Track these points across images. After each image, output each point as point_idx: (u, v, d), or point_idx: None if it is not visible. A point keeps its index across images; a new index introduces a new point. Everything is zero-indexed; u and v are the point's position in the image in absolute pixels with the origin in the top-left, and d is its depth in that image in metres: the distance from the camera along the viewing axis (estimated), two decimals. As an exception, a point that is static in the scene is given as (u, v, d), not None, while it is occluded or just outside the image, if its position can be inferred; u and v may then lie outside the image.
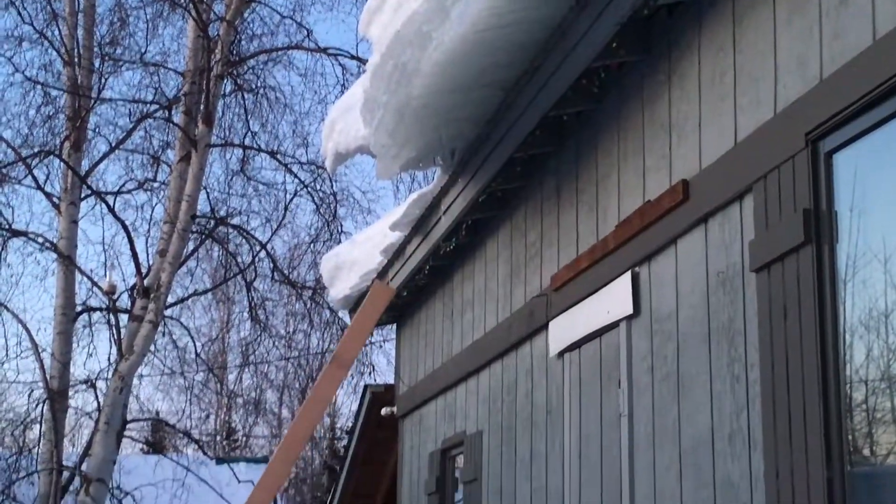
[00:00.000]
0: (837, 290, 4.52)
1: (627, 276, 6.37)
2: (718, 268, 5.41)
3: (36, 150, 17.51)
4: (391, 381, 13.53)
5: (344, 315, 16.64)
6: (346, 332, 3.28)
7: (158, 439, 33.43)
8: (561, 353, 7.38)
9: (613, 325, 6.56)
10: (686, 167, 5.78)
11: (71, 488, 16.81)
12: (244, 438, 39.68)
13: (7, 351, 18.87)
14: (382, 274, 11.03)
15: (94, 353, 36.97)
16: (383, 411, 12.58)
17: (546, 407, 7.65)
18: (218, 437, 38.09)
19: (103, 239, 38.89)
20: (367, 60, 8.62)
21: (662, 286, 6.01)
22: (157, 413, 28.55)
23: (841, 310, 4.50)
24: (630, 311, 6.30)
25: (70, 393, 16.83)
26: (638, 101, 6.42)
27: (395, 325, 12.69)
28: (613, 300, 6.54)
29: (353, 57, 18.53)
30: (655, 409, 5.98)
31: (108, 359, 17.30)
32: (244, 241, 18.66)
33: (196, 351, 19.66)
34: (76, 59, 17.40)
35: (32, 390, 19.79)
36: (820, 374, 4.48)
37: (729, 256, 5.32)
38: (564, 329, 7.29)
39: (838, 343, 4.48)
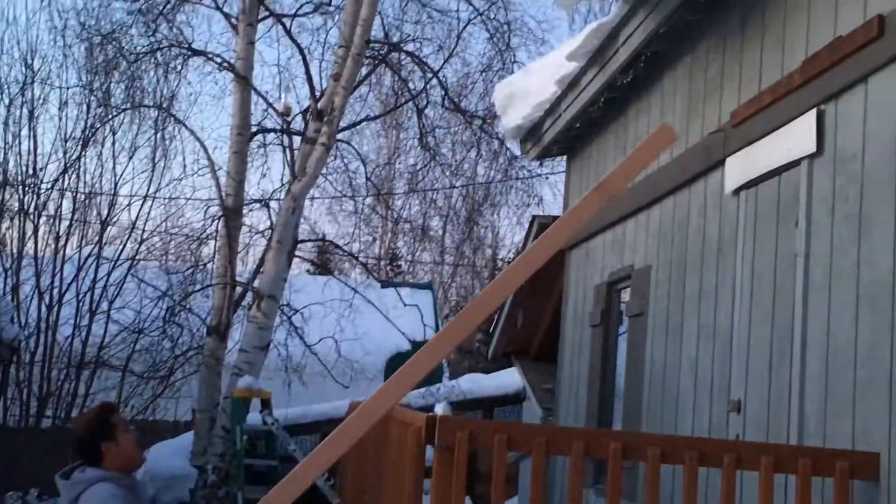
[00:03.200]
0: None
1: (812, 113, 6.20)
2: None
3: (216, -31, 17.64)
4: (557, 213, 13.51)
5: (513, 146, 16.60)
6: (618, 166, 3.32)
7: (324, 261, 34.17)
8: (737, 191, 7.27)
9: (794, 164, 6.42)
10: (883, 1, 5.56)
11: (243, 303, 17.38)
12: (408, 264, 40.32)
13: (185, 168, 19.48)
14: (555, 105, 10.95)
15: (267, 174, 37.72)
16: (550, 242, 12.57)
17: (718, 244, 7.58)
18: (382, 263, 38.80)
19: (278, 61, 39.43)
20: None
21: (849, 125, 5.84)
22: (324, 235, 29.10)
23: None
24: (813, 149, 6.15)
25: (244, 211, 17.23)
26: (835, -69, 6.17)
27: (564, 158, 12.64)
28: (796, 138, 6.39)
29: None
30: (834, 250, 5.87)
31: (281, 179, 17.65)
32: (416, 67, 18.67)
33: (367, 175, 19.88)
34: None
35: (208, 207, 20.39)
36: None
37: (923, 96, 5.14)
38: (742, 166, 7.17)
39: None
